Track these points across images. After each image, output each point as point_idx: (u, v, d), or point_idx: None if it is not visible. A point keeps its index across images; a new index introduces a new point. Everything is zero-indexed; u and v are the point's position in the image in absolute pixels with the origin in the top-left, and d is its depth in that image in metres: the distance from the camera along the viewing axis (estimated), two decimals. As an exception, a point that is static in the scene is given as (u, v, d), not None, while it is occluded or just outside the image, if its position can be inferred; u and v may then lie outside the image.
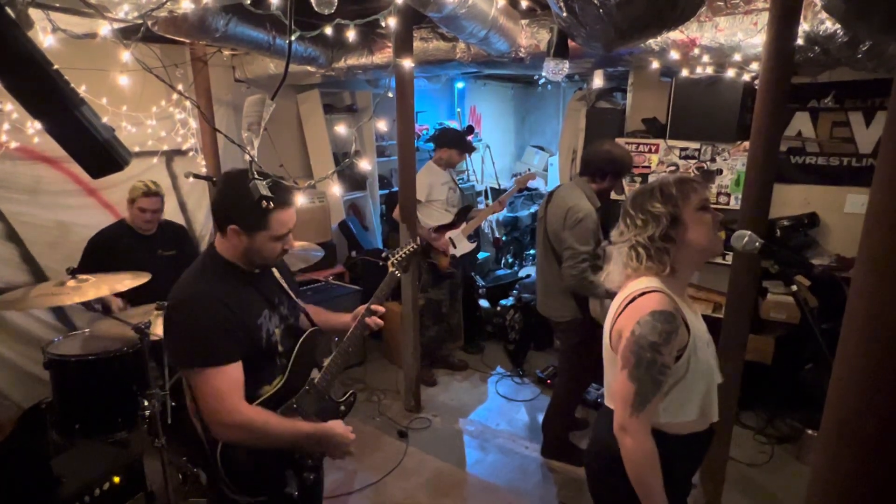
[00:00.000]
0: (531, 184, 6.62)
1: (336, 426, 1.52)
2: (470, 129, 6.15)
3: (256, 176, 1.38)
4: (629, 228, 1.46)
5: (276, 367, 1.53)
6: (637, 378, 1.32)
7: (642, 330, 1.31)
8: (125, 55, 1.64)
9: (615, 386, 1.39)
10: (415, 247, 1.87)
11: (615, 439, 1.45)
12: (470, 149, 3.94)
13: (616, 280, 1.51)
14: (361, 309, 1.74)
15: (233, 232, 1.42)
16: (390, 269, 1.83)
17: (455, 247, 3.80)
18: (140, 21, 1.93)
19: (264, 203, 1.34)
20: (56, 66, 1.15)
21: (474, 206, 4.06)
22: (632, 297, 1.39)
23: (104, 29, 1.69)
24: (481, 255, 5.35)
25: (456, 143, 3.81)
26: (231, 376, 1.37)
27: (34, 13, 1.70)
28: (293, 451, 1.52)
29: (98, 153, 1.18)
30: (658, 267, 1.41)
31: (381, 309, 1.74)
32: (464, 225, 3.88)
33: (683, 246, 1.40)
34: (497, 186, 6.54)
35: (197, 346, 1.36)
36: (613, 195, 2.84)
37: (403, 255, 1.85)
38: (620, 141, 3.63)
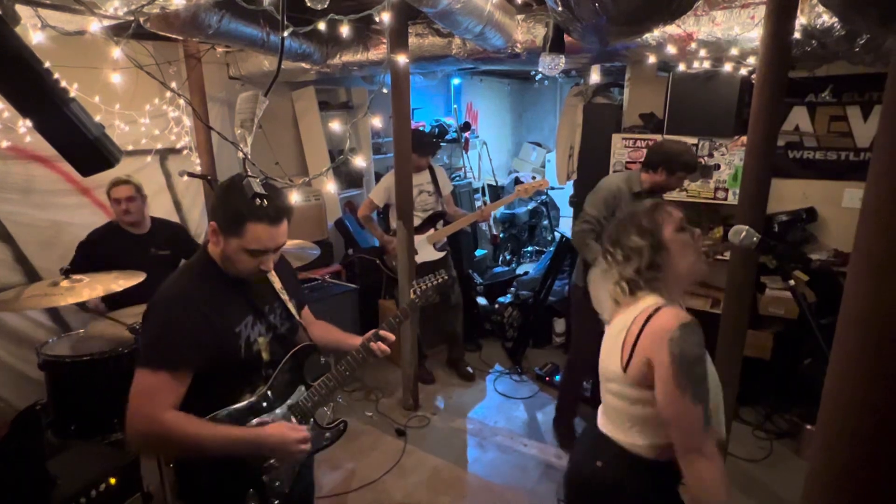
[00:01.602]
0: (527, 180, 6.62)
1: (272, 429, 1.37)
2: (466, 126, 6.15)
3: (250, 174, 1.37)
4: (611, 266, 1.44)
5: (260, 377, 1.47)
6: (700, 398, 1.25)
7: (682, 347, 1.25)
8: (116, 52, 1.62)
9: (677, 417, 1.26)
10: (444, 278, 1.73)
11: (593, 469, 1.41)
12: (429, 150, 3.72)
13: (608, 314, 1.47)
14: (371, 334, 1.62)
15: (212, 230, 1.37)
16: (411, 296, 1.69)
17: (416, 252, 3.58)
18: (131, 18, 1.91)
19: (258, 201, 1.29)
20: (47, 64, 1.13)
21: (448, 214, 3.80)
22: (647, 315, 1.33)
23: (94, 26, 1.67)
24: (479, 253, 5.33)
25: (412, 147, 3.36)
26: (167, 383, 1.28)
27: (23, 10, 1.68)
28: (259, 470, 1.44)
29: (88, 150, 1.17)
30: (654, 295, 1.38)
31: (391, 336, 1.60)
32: (430, 231, 3.71)
33: (672, 270, 1.38)
34: (494, 183, 6.52)
35: (153, 346, 1.31)
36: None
37: (428, 286, 1.69)
38: (618, 136, 3.62)
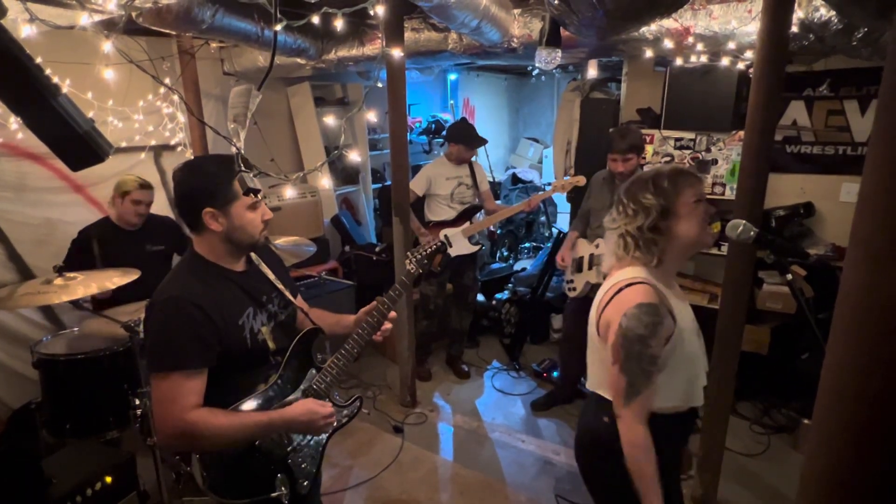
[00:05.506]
0: (525, 176, 6.61)
1: (300, 406, 1.42)
2: (463, 122, 6.11)
3: (243, 168, 1.37)
4: (620, 216, 1.47)
5: (270, 366, 1.49)
6: (628, 371, 1.33)
7: (629, 323, 1.33)
8: (107, 46, 1.60)
9: (609, 378, 1.40)
10: (437, 244, 1.73)
11: (600, 424, 1.48)
12: (477, 143, 3.72)
13: (607, 265, 1.53)
14: (364, 311, 1.64)
15: (209, 217, 1.36)
16: (407, 266, 1.69)
17: (451, 245, 3.57)
18: (122, 12, 1.88)
19: (252, 195, 1.36)
20: (38, 60, 1.11)
21: (486, 209, 3.79)
22: (618, 288, 1.40)
23: (83, 19, 1.65)
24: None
25: (461, 138, 3.60)
26: (184, 383, 1.30)
27: (11, 3, 1.66)
28: (285, 454, 1.46)
29: (77, 145, 1.15)
30: (646, 258, 1.42)
31: (393, 314, 1.62)
32: (466, 224, 3.67)
33: (672, 238, 1.41)
34: (491, 179, 6.50)
35: (158, 351, 1.32)
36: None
37: (423, 254, 1.70)
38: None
